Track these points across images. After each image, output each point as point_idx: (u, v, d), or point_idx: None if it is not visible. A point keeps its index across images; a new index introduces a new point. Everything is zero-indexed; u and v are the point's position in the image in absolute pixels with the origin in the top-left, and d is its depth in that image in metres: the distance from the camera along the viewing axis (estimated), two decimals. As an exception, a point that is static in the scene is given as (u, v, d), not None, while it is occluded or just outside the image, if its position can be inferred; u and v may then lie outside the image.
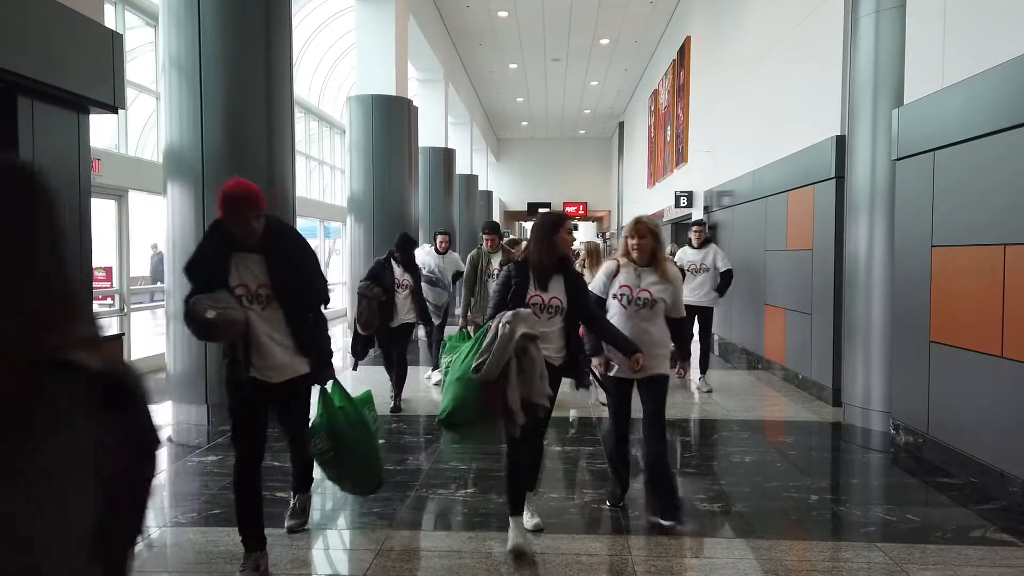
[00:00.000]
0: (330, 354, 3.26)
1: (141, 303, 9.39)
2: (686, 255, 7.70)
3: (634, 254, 3.64)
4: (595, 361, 3.72)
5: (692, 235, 7.66)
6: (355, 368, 6.36)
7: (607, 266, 3.74)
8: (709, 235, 7.98)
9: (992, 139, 4.26)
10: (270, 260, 3.01)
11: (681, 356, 4.39)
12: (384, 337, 6.24)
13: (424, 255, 7.51)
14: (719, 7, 11.65)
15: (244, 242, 2.98)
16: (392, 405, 6.31)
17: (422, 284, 6.85)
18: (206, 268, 2.95)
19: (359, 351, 6.18)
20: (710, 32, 12.46)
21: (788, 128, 8.08)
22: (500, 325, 3.04)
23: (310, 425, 3.26)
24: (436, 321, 7.58)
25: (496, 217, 28.07)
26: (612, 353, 3.64)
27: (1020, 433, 4.00)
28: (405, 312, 6.30)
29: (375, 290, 5.95)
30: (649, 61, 19.62)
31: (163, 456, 5.02)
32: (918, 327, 5.02)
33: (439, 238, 7.95)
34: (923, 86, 5.01)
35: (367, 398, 3.39)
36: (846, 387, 5.94)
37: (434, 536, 3.63)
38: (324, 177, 17.27)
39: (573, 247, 7.49)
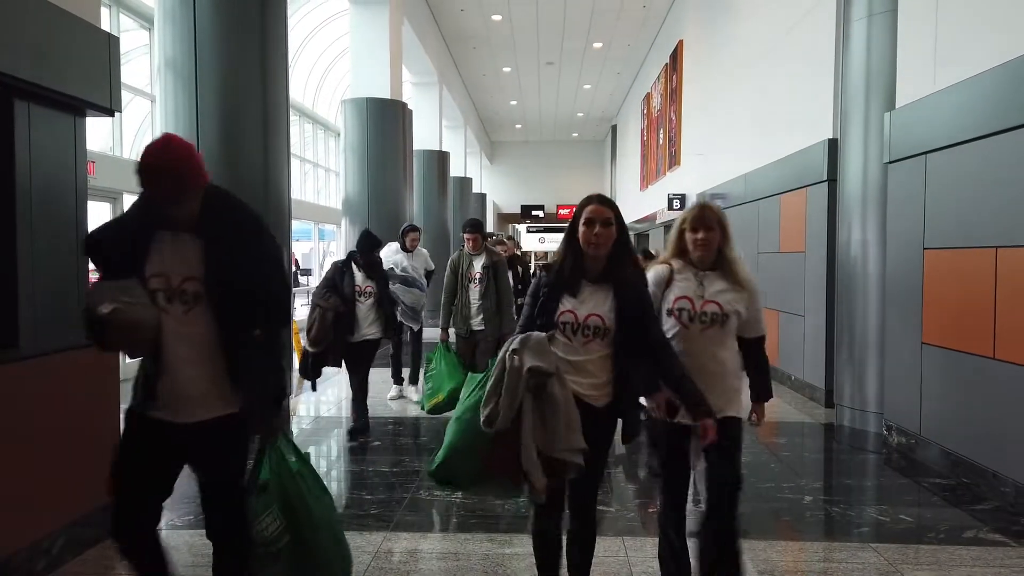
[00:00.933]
0: (280, 393, 2.32)
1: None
2: None
3: (696, 253, 2.67)
4: (647, 403, 2.68)
5: None
6: (313, 388, 5.51)
7: (657, 272, 2.73)
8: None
9: (983, 142, 4.31)
10: (209, 243, 2.12)
11: (757, 394, 2.86)
12: (341, 355, 5.26)
13: (392, 254, 6.61)
14: (712, 11, 11.71)
15: (176, 220, 2.13)
16: (353, 426, 5.46)
17: (396, 285, 6.18)
18: (113, 245, 2.12)
19: (309, 371, 5.16)
20: (703, 36, 12.53)
21: (781, 131, 8.13)
22: (507, 355, 2.32)
23: (254, 495, 2.29)
24: (415, 327, 6.73)
25: (490, 219, 28.11)
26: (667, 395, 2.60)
27: (1012, 434, 4.04)
28: (367, 325, 5.35)
29: (331, 299, 5.08)
30: (642, 65, 19.70)
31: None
32: (910, 329, 5.06)
33: (410, 235, 6.76)
34: (915, 90, 5.06)
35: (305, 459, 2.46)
36: (839, 388, 5.98)
37: (431, 538, 3.63)
38: (319, 179, 17.27)
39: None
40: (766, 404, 2.88)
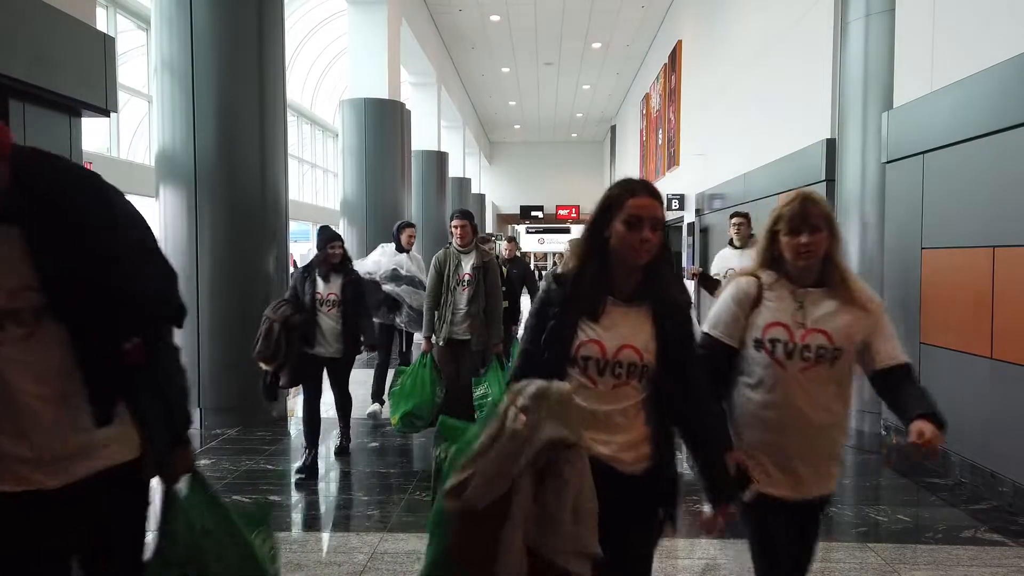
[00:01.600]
0: (185, 422, 1.68)
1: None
2: (724, 259, 5.89)
3: (799, 263, 1.94)
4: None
5: (731, 231, 5.84)
6: (274, 398, 4.81)
7: (739, 287, 2.01)
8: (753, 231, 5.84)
9: (981, 142, 4.30)
10: (36, 232, 1.41)
11: (920, 411, 1.93)
12: (301, 372, 4.49)
13: (391, 256, 5.88)
14: (710, 11, 11.72)
15: None
16: (338, 445, 4.97)
17: (402, 287, 5.65)
18: None
19: (268, 390, 4.51)
20: (701, 36, 12.53)
21: (779, 131, 8.13)
22: (512, 410, 1.57)
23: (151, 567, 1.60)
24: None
25: (489, 220, 28.11)
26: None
27: (1010, 434, 4.04)
28: (335, 339, 4.56)
29: (280, 310, 4.34)
30: (641, 65, 19.70)
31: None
32: (908, 328, 5.06)
33: (407, 232, 6.04)
34: (912, 89, 5.06)
35: (262, 517, 1.90)
36: (837, 389, 5.96)
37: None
38: (317, 180, 17.27)
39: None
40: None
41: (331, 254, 4.59)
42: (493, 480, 1.55)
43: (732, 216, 5.95)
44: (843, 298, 1.95)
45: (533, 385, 1.58)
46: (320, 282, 4.58)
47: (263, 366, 4.35)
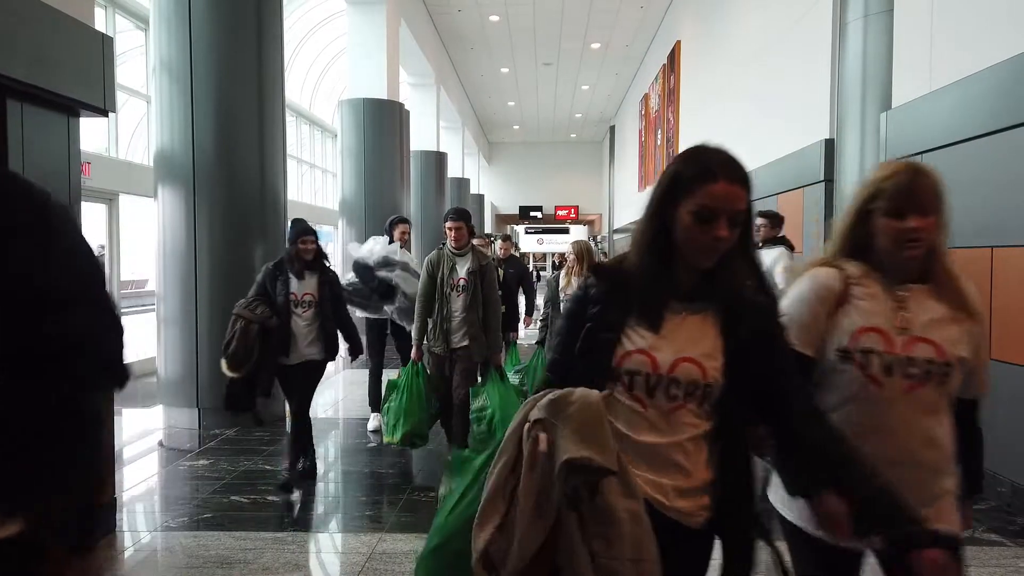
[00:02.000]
0: (90, 523, 1.43)
1: (131, 307, 9.36)
2: None
3: (904, 253, 1.49)
4: (804, 511, 1.59)
5: (754, 231, 5.82)
6: (258, 422, 4.53)
7: (818, 280, 1.56)
8: (779, 232, 5.54)
9: (980, 142, 4.30)
10: None
11: (967, 486, 1.73)
12: (271, 382, 4.11)
13: (383, 246, 5.49)
14: (709, 12, 11.73)
15: None
16: (288, 476, 4.21)
17: (396, 272, 5.25)
18: None
19: (236, 399, 4.06)
20: (700, 36, 12.54)
21: (778, 131, 8.13)
22: (524, 430, 1.27)
23: None
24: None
25: (488, 220, 28.10)
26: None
27: (1009, 434, 4.04)
28: (307, 343, 4.19)
29: (258, 310, 4.02)
30: (640, 65, 19.71)
31: (154, 460, 5.00)
32: (907, 329, 5.05)
33: (400, 227, 5.64)
34: (911, 89, 5.06)
35: None
36: (836, 389, 5.96)
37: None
38: (316, 180, 17.26)
39: (568, 252, 5.38)
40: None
41: (303, 249, 4.19)
42: (525, 532, 1.20)
43: (756, 216, 5.74)
44: (952, 300, 1.51)
45: (547, 397, 1.26)
46: (294, 281, 4.19)
47: (228, 372, 3.94)
